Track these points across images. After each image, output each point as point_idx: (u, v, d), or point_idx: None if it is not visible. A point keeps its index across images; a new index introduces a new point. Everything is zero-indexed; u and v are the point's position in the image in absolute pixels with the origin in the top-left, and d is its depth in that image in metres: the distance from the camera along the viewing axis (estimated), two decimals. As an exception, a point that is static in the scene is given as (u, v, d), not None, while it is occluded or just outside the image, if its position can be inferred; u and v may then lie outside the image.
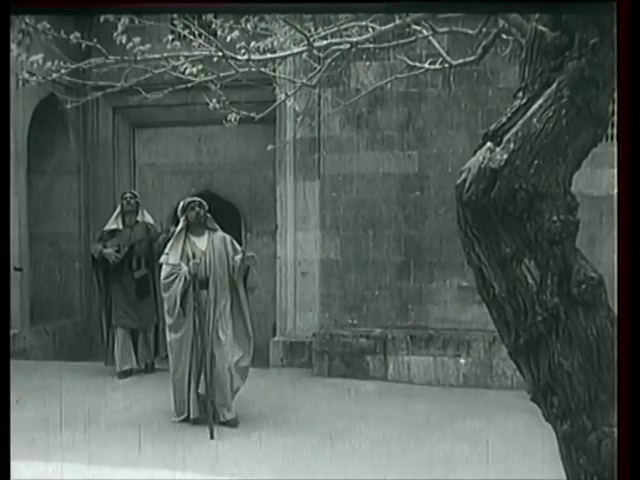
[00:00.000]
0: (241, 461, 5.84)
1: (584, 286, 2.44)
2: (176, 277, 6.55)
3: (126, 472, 5.53)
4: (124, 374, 8.45)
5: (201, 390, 6.58)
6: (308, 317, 9.19)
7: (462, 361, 8.40)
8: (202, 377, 6.54)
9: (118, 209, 8.82)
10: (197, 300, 6.55)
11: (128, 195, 8.82)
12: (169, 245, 6.80)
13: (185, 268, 6.55)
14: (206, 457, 5.93)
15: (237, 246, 6.94)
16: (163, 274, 6.68)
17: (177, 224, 6.95)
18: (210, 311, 6.61)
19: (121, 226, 8.69)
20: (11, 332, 8.66)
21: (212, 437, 6.31)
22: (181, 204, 6.91)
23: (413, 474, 5.48)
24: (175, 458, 5.82)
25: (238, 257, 6.73)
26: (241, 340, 6.74)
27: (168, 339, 6.77)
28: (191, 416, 6.68)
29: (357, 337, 8.72)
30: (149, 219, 8.87)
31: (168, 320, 6.73)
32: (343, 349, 8.70)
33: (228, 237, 6.93)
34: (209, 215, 6.87)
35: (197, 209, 6.76)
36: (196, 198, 6.99)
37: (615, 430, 2.39)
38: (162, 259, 6.75)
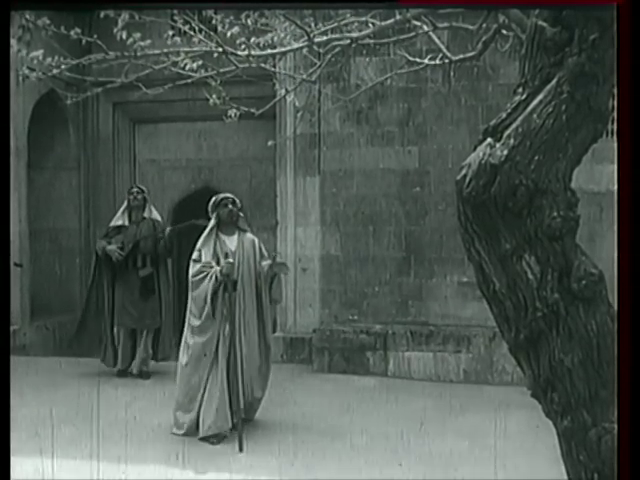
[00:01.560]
0: (241, 457, 5.84)
1: (584, 282, 2.44)
2: (206, 275, 6.11)
3: (128, 468, 5.54)
4: (122, 373, 8.28)
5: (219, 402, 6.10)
6: (308, 313, 9.19)
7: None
8: (225, 386, 6.13)
9: (125, 204, 8.43)
10: (229, 303, 6.12)
11: (135, 190, 8.45)
12: (200, 242, 6.31)
13: (216, 267, 6.12)
14: (205, 454, 5.93)
15: (264, 251, 6.54)
16: (192, 271, 6.21)
17: (208, 220, 6.46)
18: (238, 316, 6.18)
19: (127, 222, 8.33)
20: (11, 328, 8.66)
21: (241, 450, 5.88)
22: (213, 200, 6.44)
23: (413, 470, 5.49)
24: (173, 455, 5.83)
25: (266, 263, 6.38)
26: (261, 349, 6.38)
27: (190, 342, 6.21)
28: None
29: (357, 333, 8.72)
30: (156, 216, 8.49)
31: (194, 322, 6.21)
32: (343, 345, 8.70)
33: (257, 240, 6.55)
34: (241, 214, 6.50)
35: (230, 206, 6.36)
36: (229, 194, 6.52)
37: (615, 426, 2.39)
38: (194, 255, 6.25)
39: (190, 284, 6.23)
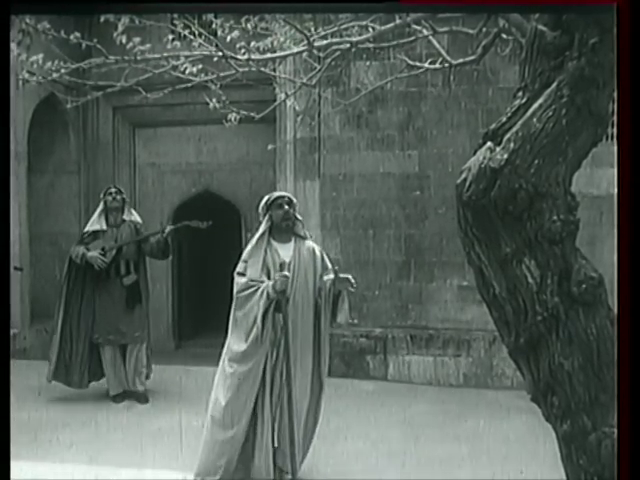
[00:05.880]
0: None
1: (584, 286, 2.44)
2: (256, 291, 5.00)
3: (127, 472, 5.53)
4: (120, 397, 7.45)
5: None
6: (308, 317, 9.17)
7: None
8: (276, 427, 5.12)
9: (101, 207, 7.56)
10: (283, 326, 5.04)
11: (113, 190, 7.58)
12: (247, 251, 5.21)
13: (268, 282, 5.01)
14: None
15: (328, 263, 5.38)
16: (237, 287, 5.10)
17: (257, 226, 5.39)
18: (291, 343, 5.06)
19: (104, 226, 7.48)
20: (11, 332, 8.66)
21: None
22: (264, 199, 5.29)
23: (413, 474, 5.48)
24: (172, 455, 5.82)
25: (328, 277, 5.23)
26: (314, 388, 5.29)
27: (229, 370, 5.08)
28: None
29: (357, 337, 8.72)
30: (136, 218, 7.68)
31: (237, 347, 5.07)
32: (343, 349, 8.70)
33: (318, 249, 5.39)
34: (299, 217, 5.34)
35: (286, 207, 5.18)
36: (285, 193, 5.47)
37: (615, 430, 2.39)
38: (238, 267, 5.15)
39: (235, 301, 5.14)
